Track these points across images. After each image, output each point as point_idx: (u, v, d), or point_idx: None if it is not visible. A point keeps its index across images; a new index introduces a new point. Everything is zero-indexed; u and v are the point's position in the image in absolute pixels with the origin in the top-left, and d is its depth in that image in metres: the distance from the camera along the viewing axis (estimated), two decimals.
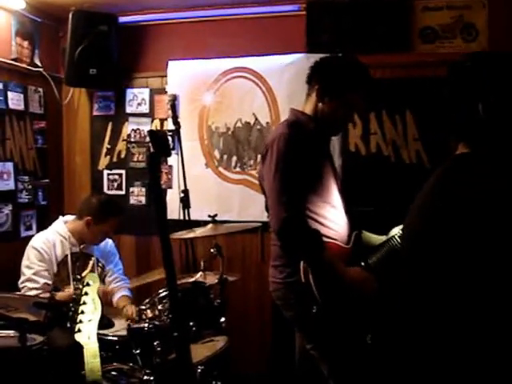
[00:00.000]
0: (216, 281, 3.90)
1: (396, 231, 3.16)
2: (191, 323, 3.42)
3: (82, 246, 4.19)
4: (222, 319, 3.72)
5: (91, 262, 4.10)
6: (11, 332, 3.54)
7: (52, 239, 4.13)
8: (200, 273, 4.04)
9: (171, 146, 4.51)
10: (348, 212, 3.17)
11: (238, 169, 4.89)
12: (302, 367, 3.31)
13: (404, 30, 4.46)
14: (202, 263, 4.09)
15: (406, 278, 1.95)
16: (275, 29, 4.76)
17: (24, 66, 4.84)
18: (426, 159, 4.46)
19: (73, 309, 2.61)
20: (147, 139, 5.09)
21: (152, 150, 1.69)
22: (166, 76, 5.01)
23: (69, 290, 3.94)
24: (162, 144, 1.69)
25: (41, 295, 3.85)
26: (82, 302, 2.63)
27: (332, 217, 3.05)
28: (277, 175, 2.87)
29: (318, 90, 3.06)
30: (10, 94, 4.69)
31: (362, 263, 3.04)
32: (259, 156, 4.78)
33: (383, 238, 3.24)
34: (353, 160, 4.58)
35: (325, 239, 2.90)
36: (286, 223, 2.81)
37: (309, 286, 2.84)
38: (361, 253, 3.09)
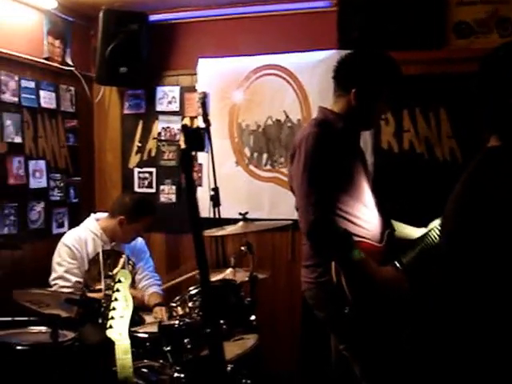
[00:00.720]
0: (246, 279, 3.89)
1: (436, 223, 3.11)
2: (222, 321, 3.41)
3: (113, 244, 4.21)
4: (253, 317, 3.71)
5: (122, 260, 4.13)
6: (43, 328, 3.57)
7: (84, 237, 4.16)
8: (230, 270, 4.04)
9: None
10: (380, 210, 3.13)
11: (268, 166, 4.87)
12: (337, 368, 3.28)
13: (438, 25, 4.39)
14: (232, 261, 4.09)
15: (444, 275, 1.92)
16: (306, 25, 4.73)
17: (56, 65, 4.88)
18: (460, 157, 4.39)
19: (104, 305, 2.61)
20: (177, 137, 5.12)
21: (185, 145, 1.68)
22: (196, 74, 5.00)
23: (100, 289, 3.97)
24: (194, 139, 1.68)
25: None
26: (113, 299, 2.62)
27: (364, 216, 3.00)
28: (305, 175, 2.83)
29: (349, 87, 3.01)
30: (42, 92, 4.72)
31: (396, 262, 3.01)
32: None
33: (422, 230, 3.20)
34: (385, 158, 4.53)
35: (357, 238, 2.86)
36: (314, 225, 2.77)
37: (340, 287, 2.80)
38: (394, 251, 3.05)
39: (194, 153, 1.75)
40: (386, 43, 4.34)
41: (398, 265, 2.97)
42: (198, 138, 1.70)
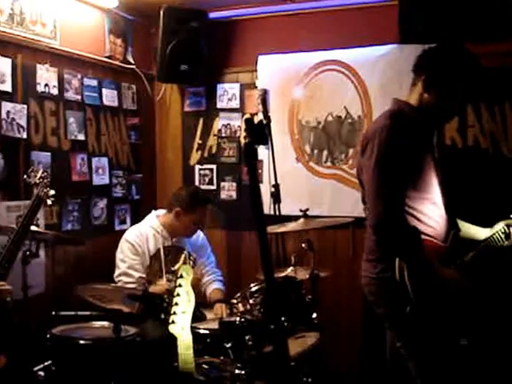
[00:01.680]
0: (307, 276, 3.87)
1: (501, 226, 3.04)
2: (284, 318, 3.40)
3: (174, 240, 4.24)
4: (314, 315, 3.68)
5: (183, 256, 4.15)
6: (106, 323, 3.62)
7: (145, 233, 4.21)
8: (291, 268, 4.02)
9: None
10: (447, 209, 3.05)
11: (328, 163, 4.82)
12: (393, 365, 3.23)
13: (503, 17, 4.26)
14: (292, 258, 4.07)
15: None
16: (366, 20, 4.66)
17: (117, 63, 4.94)
18: None
19: (167, 300, 2.62)
20: (238, 134, 5.12)
21: (248, 138, 1.67)
22: (256, 71, 4.99)
23: (161, 284, 4.00)
24: (258, 132, 1.66)
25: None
26: (176, 294, 2.63)
27: (431, 213, 2.93)
28: (376, 168, 2.79)
29: (425, 81, 2.93)
30: (104, 90, 4.79)
31: (458, 262, 2.94)
32: (351, 150, 4.73)
33: (487, 230, 3.13)
34: (449, 153, 4.43)
35: (422, 236, 2.81)
36: (382, 219, 2.73)
37: (403, 284, 2.76)
38: (458, 252, 2.98)
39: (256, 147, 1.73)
40: (449, 36, 4.24)
41: (460, 265, 2.91)
42: (261, 132, 1.68)
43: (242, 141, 5.09)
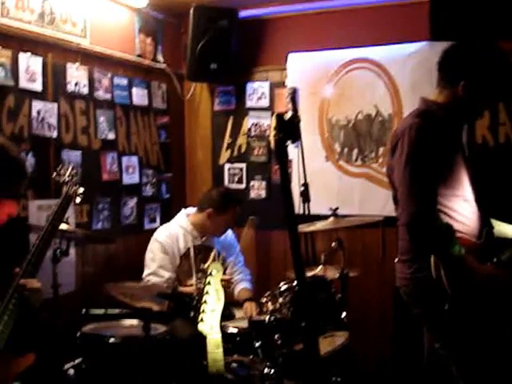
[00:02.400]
0: (337, 275, 3.85)
1: None
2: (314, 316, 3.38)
3: (203, 239, 4.25)
4: (343, 314, 3.66)
5: (212, 254, 4.15)
6: (135, 321, 3.63)
7: (175, 232, 4.22)
8: (320, 267, 4.00)
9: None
10: (480, 206, 3.01)
11: (359, 162, 4.79)
12: (431, 366, 3.19)
13: None
14: (322, 257, 4.05)
15: None
16: (396, 17, 4.62)
17: (147, 62, 4.95)
18: None
19: (196, 298, 2.61)
20: (267, 133, 5.10)
21: (279, 134, 1.65)
22: (285, 69, 4.97)
23: (191, 283, 4.00)
24: (289, 128, 1.65)
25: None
26: (205, 292, 2.62)
27: (463, 211, 2.90)
28: (408, 167, 2.76)
29: (458, 80, 2.90)
30: (134, 89, 4.80)
31: (495, 260, 2.89)
32: (381, 148, 4.69)
33: None
34: (480, 152, 4.37)
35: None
36: (416, 218, 2.71)
37: (440, 282, 2.72)
38: (492, 249, 2.94)
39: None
40: (482, 33, 4.18)
41: (497, 263, 2.87)
42: (292, 128, 1.66)
43: (272, 139, 5.06)
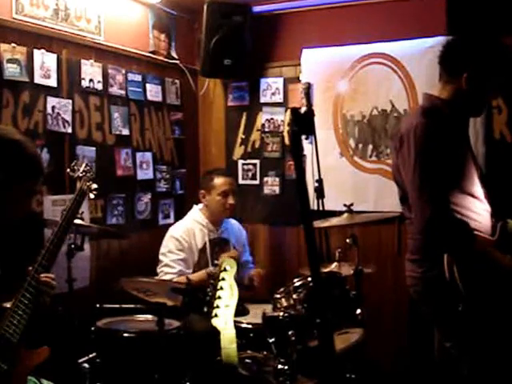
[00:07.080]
0: (351, 272, 3.83)
1: None
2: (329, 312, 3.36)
3: (219, 231, 4.28)
4: (358, 311, 3.63)
5: (231, 246, 4.21)
6: (149, 316, 3.63)
7: (191, 228, 4.27)
8: (335, 263, 3.99)
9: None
10: (491, 202, 2.98)
11: (373, 158, 4.76)
12: (442, 365, 3.17)
13: None
14: (336, 254, 4.03)
15: None
16: (412, 12, 4.58)
17: (161, 58, 4.96)
18: None
19: (210, 294, 2.60)
20: (281, 129, 5.09)
21: (294, 127, 1.64)
22: (299, 65, 4.95)
23: (203, 271, 4.03)
24: (304, 122, 1.64)
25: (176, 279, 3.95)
26: (219, 287, 2.62)
27: (474, 208, 2.87)
28: (417, 169, 2.72)
29: (460, 72, 2.88)
30: (148, 85, 4.81)
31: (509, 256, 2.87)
32: None
33: None
34: (498, 148, 4.33)
35: None
36: (432, 222, 2.66)
37: (453, 282, 2.69)
38: (508, 244, 2.91)
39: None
40: (499, 28, 4.14)
41: None
42: (307, 122, 1.65)
43: (286, 134, 5.06)
